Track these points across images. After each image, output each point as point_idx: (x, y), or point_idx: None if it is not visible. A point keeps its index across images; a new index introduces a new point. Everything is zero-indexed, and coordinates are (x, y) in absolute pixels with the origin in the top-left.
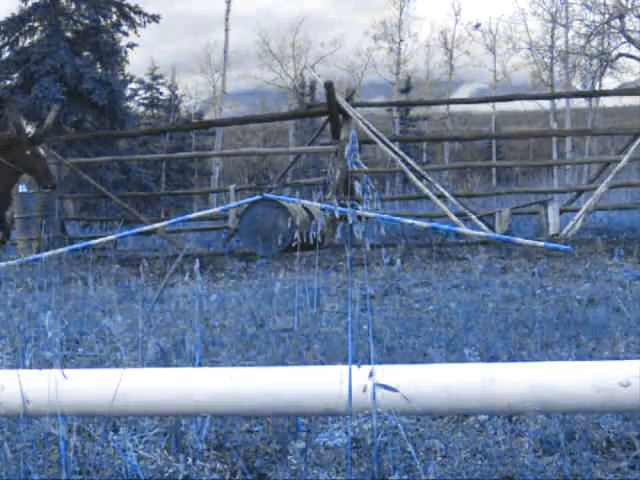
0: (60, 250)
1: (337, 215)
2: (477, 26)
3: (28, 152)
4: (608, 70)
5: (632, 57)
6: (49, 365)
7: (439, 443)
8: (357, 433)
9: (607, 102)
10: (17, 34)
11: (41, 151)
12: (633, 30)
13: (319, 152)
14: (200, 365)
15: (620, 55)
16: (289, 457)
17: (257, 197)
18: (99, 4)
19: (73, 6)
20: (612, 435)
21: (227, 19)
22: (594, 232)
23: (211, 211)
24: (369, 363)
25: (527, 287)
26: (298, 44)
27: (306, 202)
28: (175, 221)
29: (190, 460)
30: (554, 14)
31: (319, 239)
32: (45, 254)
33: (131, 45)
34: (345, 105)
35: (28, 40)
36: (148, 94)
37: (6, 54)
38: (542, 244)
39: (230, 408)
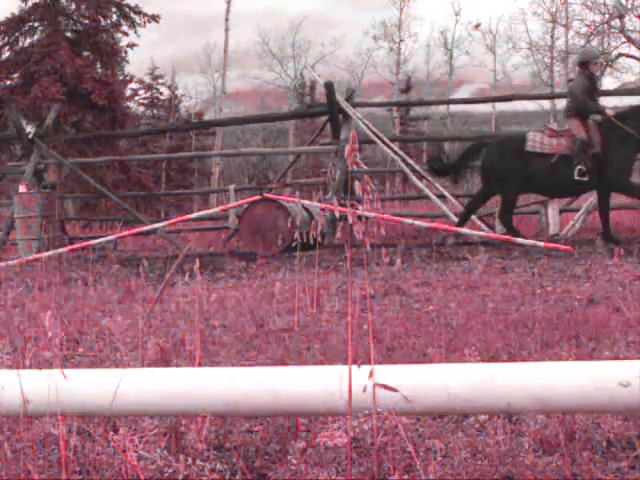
0: (60, 250)
1: (337, 215)
2: (477, 26)
3: None
4: (608, 70)
5: (632, 57)
6: (49, 365)
7: (439, 443)
8: (357, 433)
9: (607, 102)
10: (17, 34)
11: None
12: (633, 30)
13: (319, 152)
14: (200, 365)
15: (620, 55)
16: (289, 457)
17: (257, 197)
18: (99, 4)
19: (73, 6)
20: (612, 435)
21: (227, 19)
22: (594, 232)
23: (211, 211)
24: (369, 363)
25: (527, 287)
26: (298, 44)
27: (306, 202)
28: (175, 221)
29: (190, 460)
30: (554, 14)
31: (319, 239)
32: (45, 254)
33: (131, 45)
34: (345, 105)
35: (28, 40)
36: (148, 94)
37: (6, 54)
38: (542, 244)
39: (230, 408)
